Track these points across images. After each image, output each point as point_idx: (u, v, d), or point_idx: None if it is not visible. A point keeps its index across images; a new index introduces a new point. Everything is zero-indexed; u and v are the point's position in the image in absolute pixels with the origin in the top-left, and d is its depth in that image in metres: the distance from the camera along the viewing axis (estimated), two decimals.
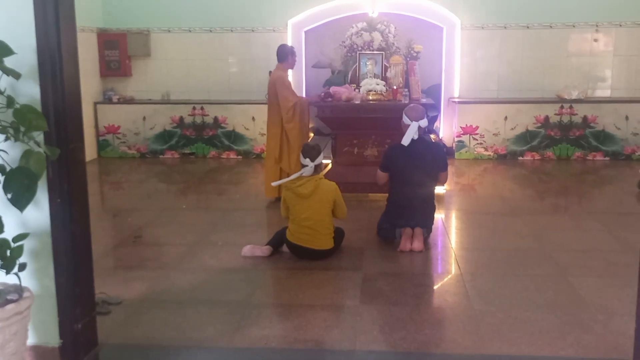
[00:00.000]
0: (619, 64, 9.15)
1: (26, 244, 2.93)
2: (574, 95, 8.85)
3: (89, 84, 9.18)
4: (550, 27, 9.12)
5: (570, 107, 8.82)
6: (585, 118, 8.82)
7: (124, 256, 5.15)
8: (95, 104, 9.39)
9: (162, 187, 7.93)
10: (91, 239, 3.39)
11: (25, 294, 2.92)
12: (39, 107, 2.96)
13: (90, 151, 9.18)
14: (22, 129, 2.76)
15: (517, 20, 9.13)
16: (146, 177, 8.40)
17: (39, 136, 2.93)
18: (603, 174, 8.18)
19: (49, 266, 3.17)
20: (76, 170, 3.19)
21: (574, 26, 9.09)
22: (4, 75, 2.76)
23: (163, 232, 5.76)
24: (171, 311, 3.95)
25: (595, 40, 9.12)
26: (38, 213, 3.10)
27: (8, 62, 2.77)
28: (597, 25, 9.06)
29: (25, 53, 2.93)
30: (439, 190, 6.41)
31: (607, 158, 8.84)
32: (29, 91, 2.99)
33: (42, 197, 3.07)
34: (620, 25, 9.03)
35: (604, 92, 9.24)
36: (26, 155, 2.78)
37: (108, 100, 9.48)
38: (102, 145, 9.47)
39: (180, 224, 6.02)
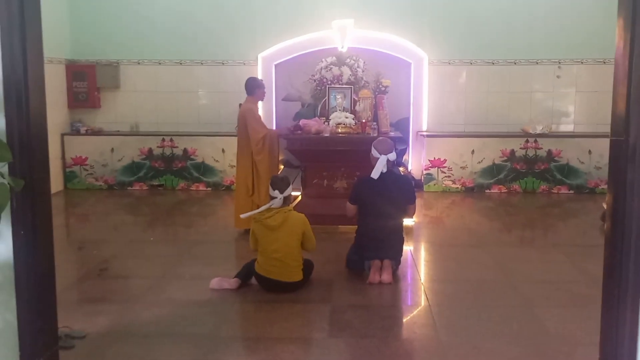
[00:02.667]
0: (580, 100, 9.41)
1: None
2: (539, 129, 9.05)
3: (57, 115, 9.10)
4: (515, 63, 9.36)
5: (535, 142, 9.01)
6: (549, 152, 9.02)
7: (89, 289, 5.06)
8: (63, 135, 9.29)
9: (130, 219, 7.85)
10: (55, 271, 3.34)
11: None
12: (4, 138, 2.93)
13: (56, 183, 9.05)
14: None
15: (483, 57, 9.36)
16: (113, 209, 8.30)
17: (4, 167, 2.90)
18: (567, 207, 8.33)
19: (11, 299, 3.10)
20: (41, 201, 3.14)
21: (537, 63, 9.35)
22: None
23: (129, 265, 5.69)
24: (136, 345, 3.89)
25: (558, 76, 9.38)
26: (1, 245, 3.04)
27: None
28: (559, 62, 9.33)
29: None
30: (407, 222, 6.46)
31: (571, 191, 9.03)
32: None
33: (5, 228, 3.02)
34: (582, 63, 9.31)
35: (567, 127, 9.48)
36: None
37: (76, 132, 9.39)
38: (69, 177, 9.35)
39: (147, 256, 5.95)
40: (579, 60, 9.31)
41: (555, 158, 9.02)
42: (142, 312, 4.45)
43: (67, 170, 9.35)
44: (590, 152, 8.97)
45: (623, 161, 2.71)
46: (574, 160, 9.01)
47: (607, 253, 2.87)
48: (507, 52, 9.33)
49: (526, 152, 9.03)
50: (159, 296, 4.80)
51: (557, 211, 8.19)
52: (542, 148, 9.02)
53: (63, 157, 9.31)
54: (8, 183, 2.80)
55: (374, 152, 5.28)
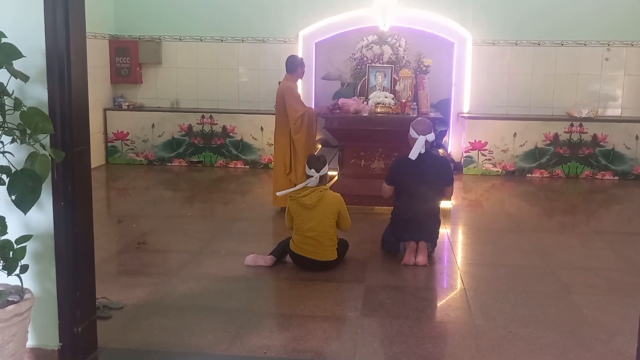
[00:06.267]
0: (629, 84, 9.12)
1: (29, 246, 2.94)
2: (584, 113, 8.81)
3: (100, 90, 9.25)
4: (562, 44, 9.10)
5: (580, 126, 8.79)
6: (595, 137, 8.78)
7: (127, 262, 5.16)
8: (105, 110, 9.44)
9: (168, 194, 7.95)
10: (94, 243, 3.41)
11: (26, 296, 2.93)
12: (46, 110, 2.98)
13: (98, 157, 9.22)
14: (29, 131, 2.78)
15: (528, 37, 9.13)
16: (153, 184, 8.43)
17: (45, 139, 2.95)
18: (611, 194, 8.13)
19: (51, 269, 3.18)
20: (81, 173, 3.20)
21: (585, 44, 9.08)
22: (12, 78, 2.78)
23: (167, 239, 5.77)
24: (171, 317, 3.95)
25: (606, 59, 9.09)
26: (41, 215, 3.11)
27: (17, 64, 2.80)
28: (608, 44, 9.04)
29: (33, 56, 2.96)
30: (445, 205, 6.39)
31: (616, 177, 8.79)
32: (37, 94, 3.02)
33: (46, 199, 3.09)
34: (632, 45, 9.00)
35: (614, 111, 9.20)
36: (31, 157, 2.80)
37: (118, 107, 9.53)
38: (110, 152, 9.51)
39: (184, 231, 6.03)
40: (628, 42, 9.00)
41: (601, 143, 8.78)
42: (178, 286, 4.52)
43: (109, 144, 9.50)
44: (637, 137, 8.71)
45: None
46: (620, 146, 8.76)
47: None
48: (553, 33, 9.07)
49: (570, 136, 8.82)
50: (195, 271, 4.86)
51: (601, 197, 8.00)
52: (587, 132, 8.79)
53: (105, 132, 9.47)
54: (49, 154, 2.86)
55: (412, 133, 5.22)
